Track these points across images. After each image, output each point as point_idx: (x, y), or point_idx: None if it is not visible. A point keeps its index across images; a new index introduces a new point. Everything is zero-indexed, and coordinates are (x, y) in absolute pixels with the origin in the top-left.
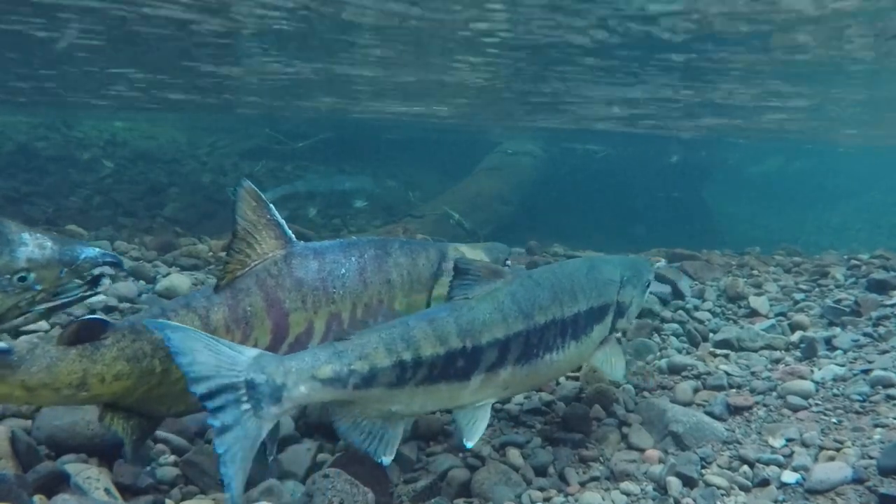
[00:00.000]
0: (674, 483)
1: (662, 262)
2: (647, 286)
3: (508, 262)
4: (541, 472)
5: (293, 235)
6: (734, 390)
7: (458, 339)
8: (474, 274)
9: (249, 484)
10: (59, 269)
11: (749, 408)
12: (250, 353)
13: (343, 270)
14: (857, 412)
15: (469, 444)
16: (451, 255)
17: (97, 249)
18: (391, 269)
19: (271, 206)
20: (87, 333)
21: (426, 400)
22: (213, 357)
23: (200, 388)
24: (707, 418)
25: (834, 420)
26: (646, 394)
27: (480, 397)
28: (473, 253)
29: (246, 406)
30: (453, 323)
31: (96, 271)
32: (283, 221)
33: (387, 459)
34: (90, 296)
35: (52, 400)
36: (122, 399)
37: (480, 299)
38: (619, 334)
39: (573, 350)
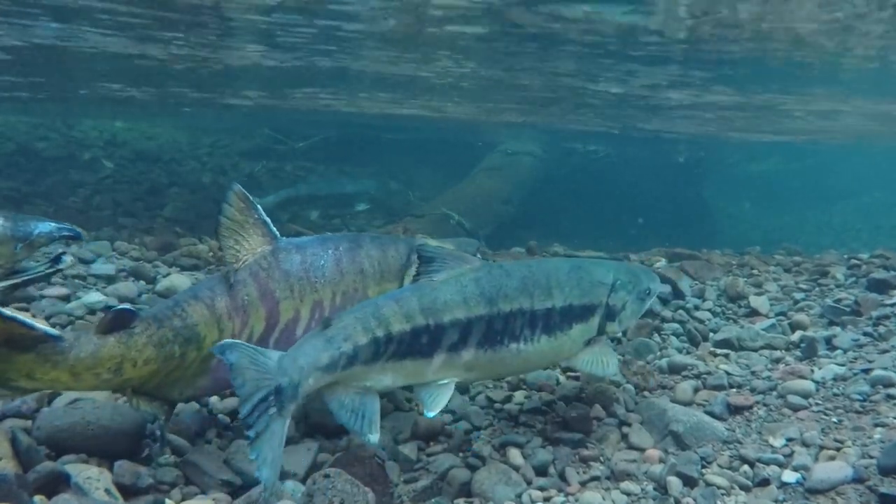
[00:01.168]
0: (674, 483)
1: (662, 262)
2: (648, 294)
3: (478, 256)
4: (541, 471)
5: (277, 232)
6: (734, 390)
7: (421, 316)
8: (439, 261)
9: (250, 484)
10: (13, 245)
11: (749, 407)
12: (273, 356)
13: (322, 262)
14: (858, 412)
15: (430, 414)
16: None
17: (52, 224)
18: (363, 260)
19: (258, 206)
20: (119, 322)
21: (395, 375)
22: (254, 372)
23: (246, 408)
24: (707, 418)
25: (834, 419)
26: (646, 394)
27: (443, 375)
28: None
29: (273, 409)
30: (416, 302)
31: (59, 249)
32: (268, 220)
33: (373, 437)
34: (53, 273)
35: (91, 384)
36: (145, 384)
37: (444, 281)
38: (608, 337)
39: (545, 344)
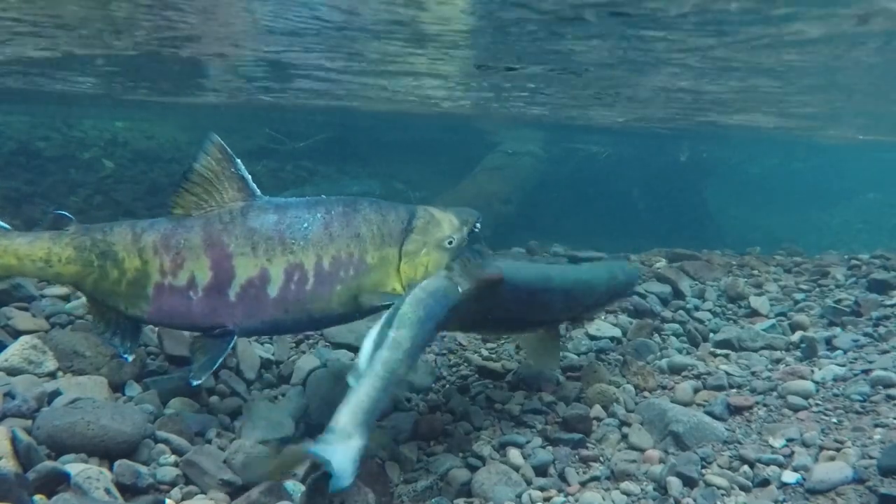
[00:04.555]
0: (674, 483)
1: (663, 263)
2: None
3: (478, 226)
4: (541, 471)
5: (258, 190)
6: (734, 390)
7: None
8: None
9: (251, 484)
10: None
11: (749, 408)
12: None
13: (306, 224)
14: (858, 412)
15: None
16: (421, 215)
17: None
18: (360, 224)
19: (237, 160)
20: (58, 223)
21: None
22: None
23: None
24: (707, 418)
25: (834, 420)
26: (646, 394)
27: None
28: (443, 215)
29: None
30: None
31: None
32: (248, 176)
33: None
34: None
35: (32, 270)
36: (80, 286)
37: None
38: None
39: None
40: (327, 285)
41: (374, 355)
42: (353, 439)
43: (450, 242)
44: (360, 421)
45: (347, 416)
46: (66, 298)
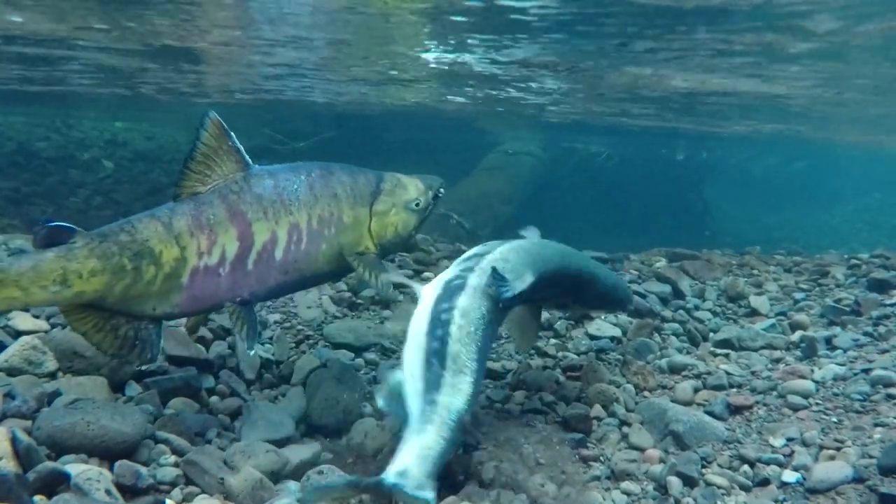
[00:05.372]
0: (674, 483)
1: (663, 262)
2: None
3: (441, 191)
4: None
5: (250, 160)
6: (734, 390)
7: None
8: None
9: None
10: None
11: (749, 407)
12: None
13: (295, 186)
14: (858, 411)
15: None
16: (388, 178)
17: None
18: (336, 186)
19: (232, 133)
20: (55, 237)
21: None
22: None
23: None
24: (707, 418)
25: (834, 419)
26: (646, 394)
27: None
28: (409, 180)
29: None
30: None
31: None
32: (241, 147)
33: None
34: None
35: (44, 298)
36: (105, 298)
37: None
38: None
39: None
40: (315, 244)
41: (435, 398)
42: (426, 491)
43: (416, 204)
44: (431, 473)
45: (419, 466)
46: None
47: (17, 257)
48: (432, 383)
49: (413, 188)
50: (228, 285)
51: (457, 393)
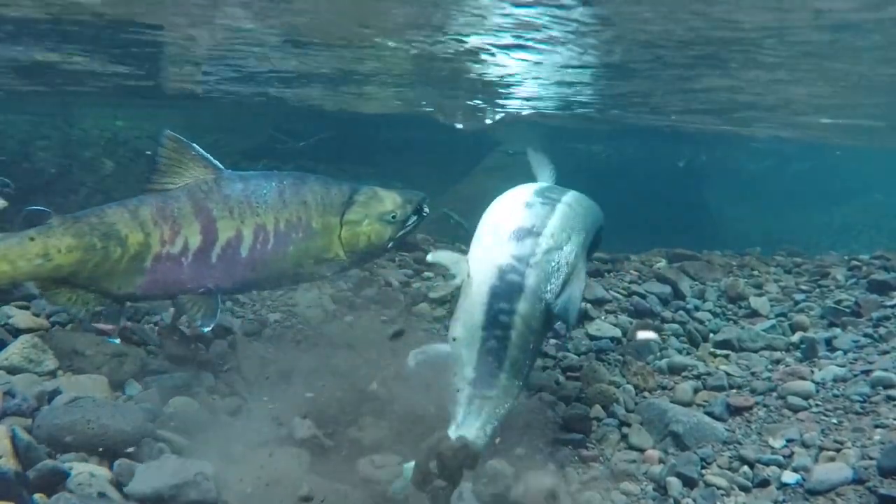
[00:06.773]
0: (674, 483)
1: (663, 263)
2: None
3: (425, 206)
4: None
5: (220, 165)
6: (734, 391)
7: None
8: None
9: None
10: None
11: (749, 408)
12: None
13: (265, 191)
14: (858, 413)
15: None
16: (364, 191)
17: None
18: (307, 193)
19: (194, 144)
20: (34, 220)
21: None
22: None
23: None
24: (707, 418)
25: (834, 421)
26: (646, 394)
27: None
28: (386, 193)
29: None
30: None
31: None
32: (207, 155)
33: None
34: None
35: (29, 270)
36: (79, 272)
37: None
38: None
39: None
40: (282, 245)
41: (488, 394)
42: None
43: (393, 217)
44: (489, 438)
45: (478, 426)
46: None
47: (4, 236)
48: (486, 379)
49: (389, 201)
50: (191, 274)
51: (508, 396)
